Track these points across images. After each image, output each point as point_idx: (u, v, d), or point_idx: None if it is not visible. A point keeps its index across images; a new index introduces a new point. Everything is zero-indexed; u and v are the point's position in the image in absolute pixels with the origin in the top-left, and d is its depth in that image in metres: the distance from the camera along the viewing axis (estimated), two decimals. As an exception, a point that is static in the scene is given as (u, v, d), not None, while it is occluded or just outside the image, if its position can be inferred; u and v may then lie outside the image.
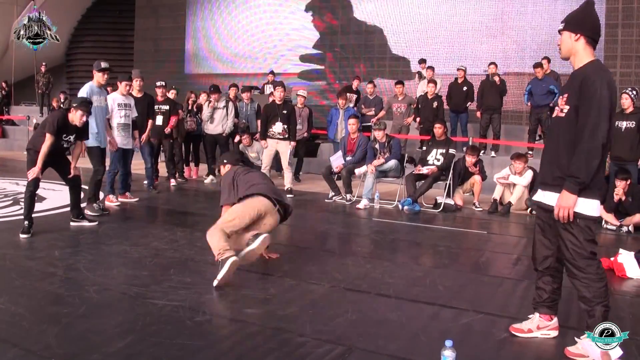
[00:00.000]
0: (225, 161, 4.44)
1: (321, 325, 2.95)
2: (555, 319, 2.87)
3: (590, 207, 2.55)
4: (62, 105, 11.67)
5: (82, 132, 5.08)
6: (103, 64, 5.74)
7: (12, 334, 2.69)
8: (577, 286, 2.63)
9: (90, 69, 5.98)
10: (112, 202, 6.20)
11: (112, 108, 6.25)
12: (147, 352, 2.55)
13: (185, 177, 8.77)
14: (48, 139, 4.71)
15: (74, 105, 4.93)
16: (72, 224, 5.15)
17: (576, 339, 2.69)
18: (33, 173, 4.69)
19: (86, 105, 4.96)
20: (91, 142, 5.55)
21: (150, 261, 4.06)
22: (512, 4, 11.59)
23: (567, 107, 2.59)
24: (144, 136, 7.19)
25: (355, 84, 10.45)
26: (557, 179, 2.60)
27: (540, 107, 8.61)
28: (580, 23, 2.59)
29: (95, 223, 5.21)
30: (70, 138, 4.95)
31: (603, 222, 5.96)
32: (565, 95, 2.63)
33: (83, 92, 5.59)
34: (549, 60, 9.17)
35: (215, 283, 3.48)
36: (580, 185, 2.48)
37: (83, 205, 5.40)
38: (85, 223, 5.17)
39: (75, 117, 4.88)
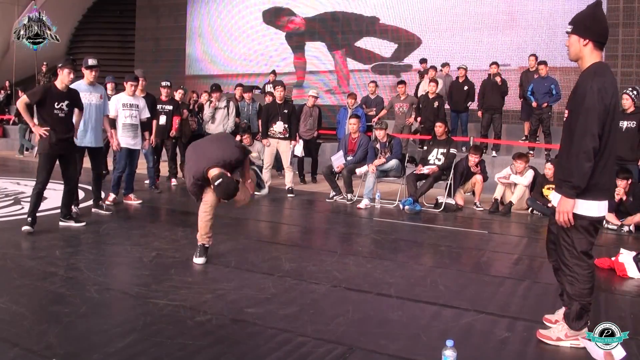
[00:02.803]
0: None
1: (322, 325, 2.94)
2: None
3: (587, 207, 2.58)
4: None
5: (75, 99, 4.99)
6: (91, 61, 5.56)
7: (13, 334, 2.69)
8: (563, 282, 2.73)
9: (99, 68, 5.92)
10: (109, 201, 6.18)
11: (117, 108, 6.24)
12: (148, 351, 2.55)
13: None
14: (22, 99, 4.68)
15: (59, 65, 4.83)
16: (60, 223, 5.09)
17: (551, 325, 2.84)
18: (40, 130, 4.70)
19: (71, 62, 4.86)
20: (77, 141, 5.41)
21: (151, 261, 4.06)
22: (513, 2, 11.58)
23: (567, 111, 2.67)
24: (152, 137, 7.23)
25: (422, 67, 10.41)
26: (558, 180, 2.70)
27: (542, 106, 8.59)
28: (589, 28, 2.60)
29: (83, 224, 5.14)
30: (63, 106, 4.85)
31: (604, 222, 5.95)
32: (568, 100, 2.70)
33: None
34: (536, 58, 9.17)
35: None
36: (575, 189, 2.53)
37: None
38: (72, 223, 5.10)
39: (63, 76, 4.80)
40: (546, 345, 2.76)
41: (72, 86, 5.51)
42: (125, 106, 6.29)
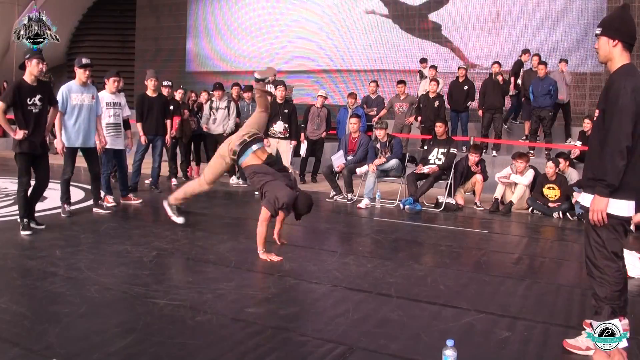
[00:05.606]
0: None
1: (322, 325, 2.94)
2: (625, 320, 2.74)
3: (618, 207, 2.57)
4: None
5: (47, 92, 4.79)
6: (84, 60, 5.41)
7: (14, 334, 2.69)
8: (593, 284, 2.67)
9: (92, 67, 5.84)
10: (109, 202, 6.14)
11: (101, 107, 6.02)
12: (148, 351, 2.55)
13: (187, 176, 8.78)
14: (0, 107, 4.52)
15: (26, 57, 4.67)
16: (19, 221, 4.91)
17: (584, 331, 2.72)
18: (18, 135, 4.57)
19: (38, 53, 4.71)
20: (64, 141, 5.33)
21: (151, 261, 4.06)
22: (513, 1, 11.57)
23: (597, 111, 2.68)
24: (167, 138, 7.26)
25: (422, 66, 10.38)
26: (589, 180, 2.67)
27: (541, 107, 8.59)
28: (618, 29, 2.64)
29: (43, 227, 4.97)
30: (35, 100, 4.66)
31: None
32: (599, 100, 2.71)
33: (60, 92, 5.37)
34: (539, 58, 9.16)
35: None
36: (609, 188, 2.53)
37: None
38: (34, 225, 4.94)
39: (32, 67, 4.63)
40: (547, 344, 2.76)
41: (63, 87, 5.42)
42: (109, 105, 6.18)
